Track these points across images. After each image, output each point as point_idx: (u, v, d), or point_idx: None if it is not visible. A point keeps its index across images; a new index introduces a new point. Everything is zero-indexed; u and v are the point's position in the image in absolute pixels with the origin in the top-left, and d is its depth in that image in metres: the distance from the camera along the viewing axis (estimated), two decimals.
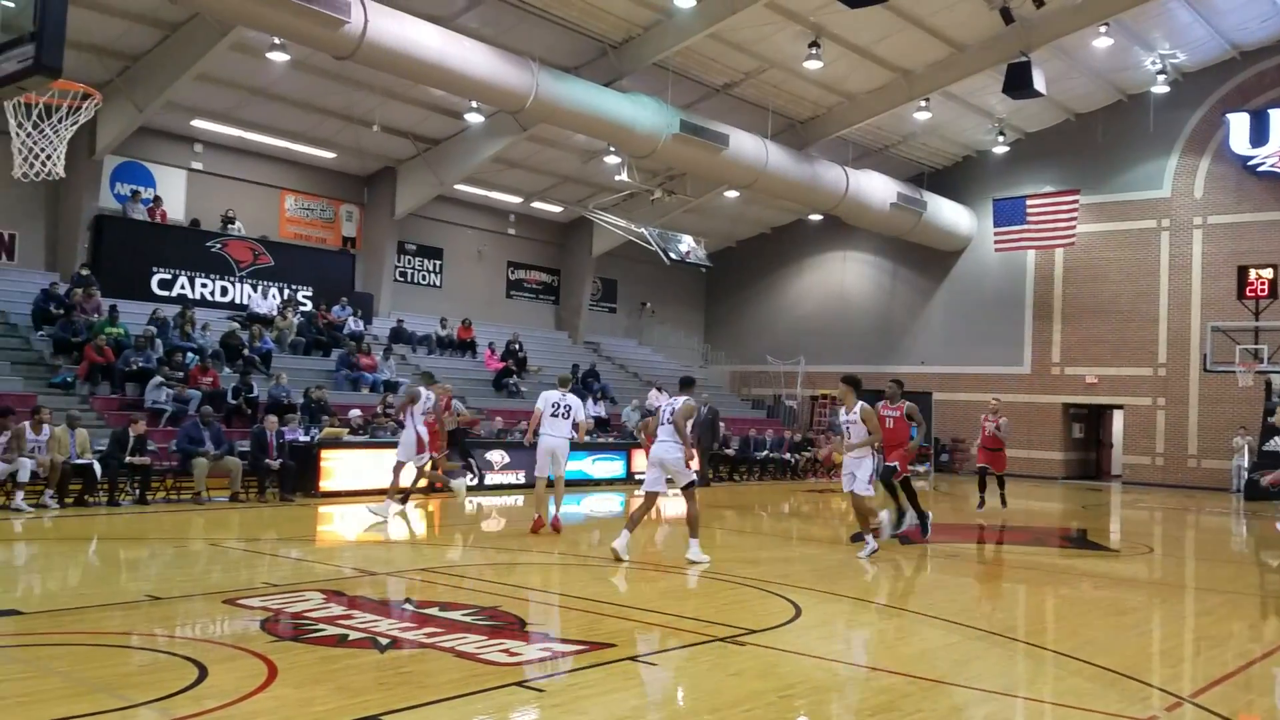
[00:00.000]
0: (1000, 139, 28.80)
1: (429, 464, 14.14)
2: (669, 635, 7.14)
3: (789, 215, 32.74)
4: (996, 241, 28.44)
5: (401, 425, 14.13)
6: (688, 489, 10.52)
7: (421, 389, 14.04)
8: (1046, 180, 28.92)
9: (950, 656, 6.92)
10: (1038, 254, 29.22)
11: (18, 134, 9.38)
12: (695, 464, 10.98)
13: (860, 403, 11.29)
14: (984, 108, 27.13)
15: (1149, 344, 27.85)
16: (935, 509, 15.25)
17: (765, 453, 24.55)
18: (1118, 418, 29.86)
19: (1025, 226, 27.63)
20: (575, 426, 12.70)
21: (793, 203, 29.00)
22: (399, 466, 13.61)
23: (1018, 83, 22.34)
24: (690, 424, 10.40)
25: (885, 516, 12.03)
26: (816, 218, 31.76)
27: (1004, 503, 17.37)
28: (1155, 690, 6.20)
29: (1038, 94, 22.94)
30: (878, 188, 27.68)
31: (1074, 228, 27.17)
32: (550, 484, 12.87)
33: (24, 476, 12.99)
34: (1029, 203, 27.73)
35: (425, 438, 13.64)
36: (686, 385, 11.21)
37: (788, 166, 25.12)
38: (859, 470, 11.26)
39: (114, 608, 7.59)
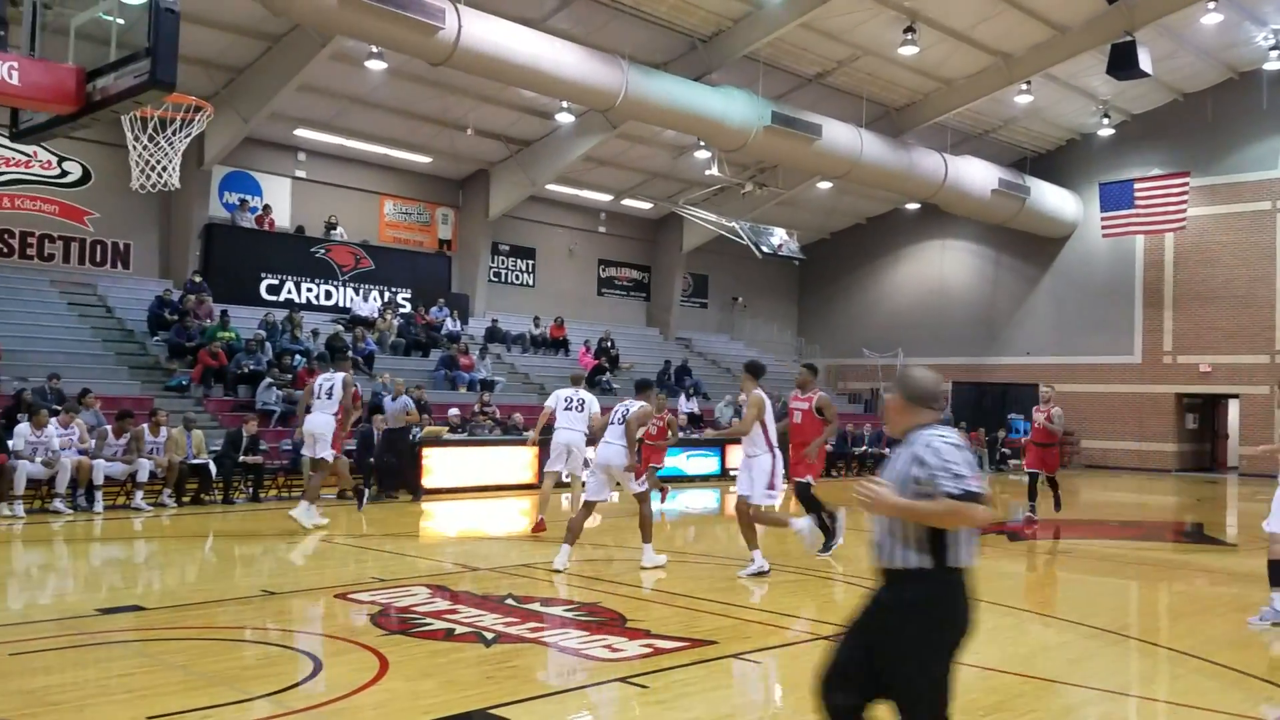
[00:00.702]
0: (1105, 121, 27.88)
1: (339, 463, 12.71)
2: (771, 633, 7.09)
3: (884, 205, 32.22)
4: (1104, 227, 27.57)
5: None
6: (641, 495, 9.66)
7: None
8: (1155, 163, 27.90)
9: (1063, 655, 6.73)
10: (1147, 239, 28.23)
11: (134, 146, 9.77)
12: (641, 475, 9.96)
13: (756, 391, 9.51)
14: (1087, 89, 26.29)
15: (1265, 330, 26.67)
16: (1044, 504, 14.78)
17: (863, 448, 24.20)
18: (1233, 407, 28.66)
19: (1133, 211, 26.73)
20: (590, 422, 12.07)
21: (889, 192, 28.52)
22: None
23: (1122, 63, 21.60)
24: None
25: (805, 525, 9.89)
26: (913, 206, 31.19)
27: (1058, 505, 14.91)
28: (1276, 688, 5.93)
29: (1144, 74, 22.14)
30: (978, 174, 27.05)
31: (1184, 211, 26.17)
32: (563, 484, 12.28)
33: (143, 476, 13.56)
34: (1137, 186, 26.81)
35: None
36: (643, 389, 10.28)
37: (883, 155, 24.71)
38: (753, 472, 9.30)
39: (230, 603, 7.86)
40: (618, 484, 9.95)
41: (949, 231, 31.85)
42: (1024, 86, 24.47)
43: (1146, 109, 28.15)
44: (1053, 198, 29.16)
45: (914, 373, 3.73)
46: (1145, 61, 21.57)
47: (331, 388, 12.01)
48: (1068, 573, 10.70)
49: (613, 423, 9.87)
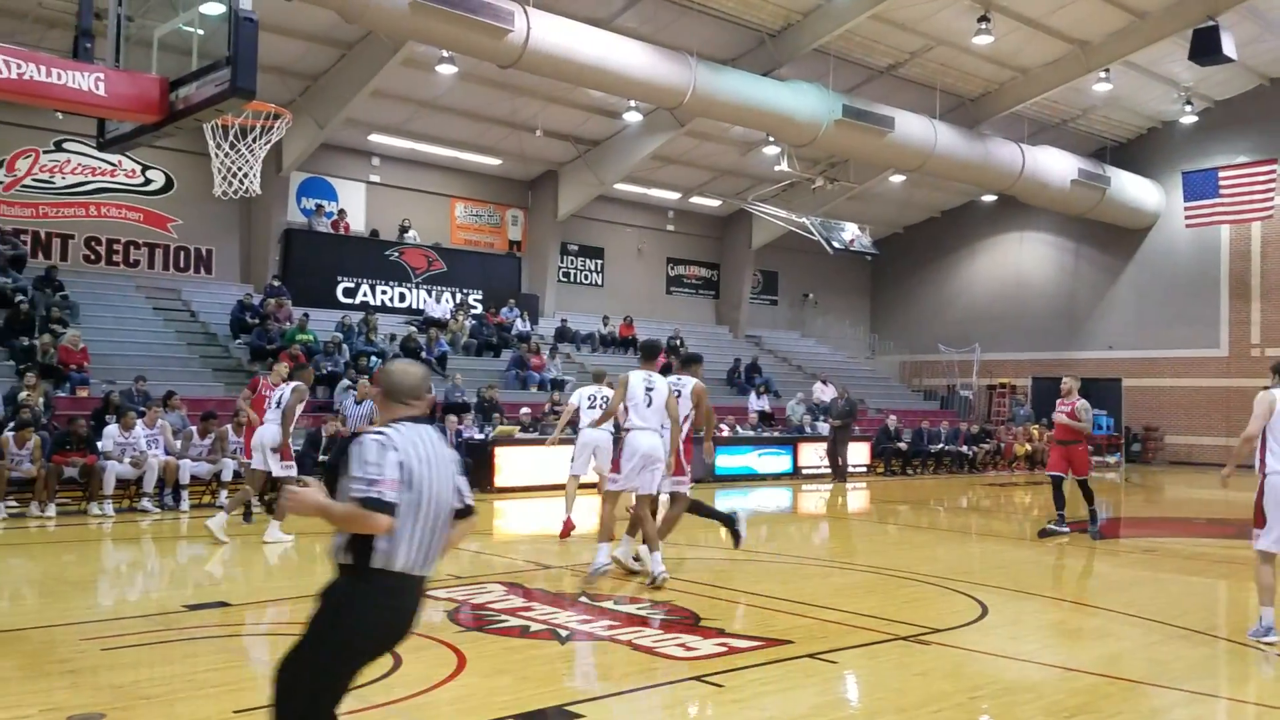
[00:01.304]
0: (1188, 108, 27.06)
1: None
2: (848, 633, 7.00)
3: (960, 197, 31.67)
4: (1188, 217, 26.76)
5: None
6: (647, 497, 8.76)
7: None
8: (1240, 150, 26.99)
9: (1149, 656, 6.54)
10: (1233, 229, 27.33)
11: (216, 154, 10.03)
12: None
13: (627, 374, 8.90)
14: (1169, 76, 25.54)
15: None
16: (1127, 502, 14.38)
17: (940, 445, 23.82)
18: None
19: (1218, 200, 25.90)
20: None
21: (964, 184, 28.04)
22: None
23: (1205, 48, 20.93)
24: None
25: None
26: (990, 198, 30.60)
27: (1094, 519, 12.28)
28: None
29: (1228, 59, 21.42)
30: (1056, 164, 26.45)
31: (1272, 199, 25.29)
32: (590, 485, 11.74)
33: (227, 475, 13.91)
34: (1221, 174, 25.98)
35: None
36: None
37: (958, 146, 24.29)
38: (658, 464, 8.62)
39: (312, 599, 7.99)
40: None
41: (1027, 223, 31.20)
42: (1103, 74, 23.85)
43: (1231, 95, 27.25)
44: (1134, 188, 28.39)
45: (391, 366, 3.73)
46: (1229, 46, 20.87)
47: (281, 397, 10.85)
48: (1154, 572, 10.40)
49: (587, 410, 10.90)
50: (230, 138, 9.73)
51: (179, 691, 5.40)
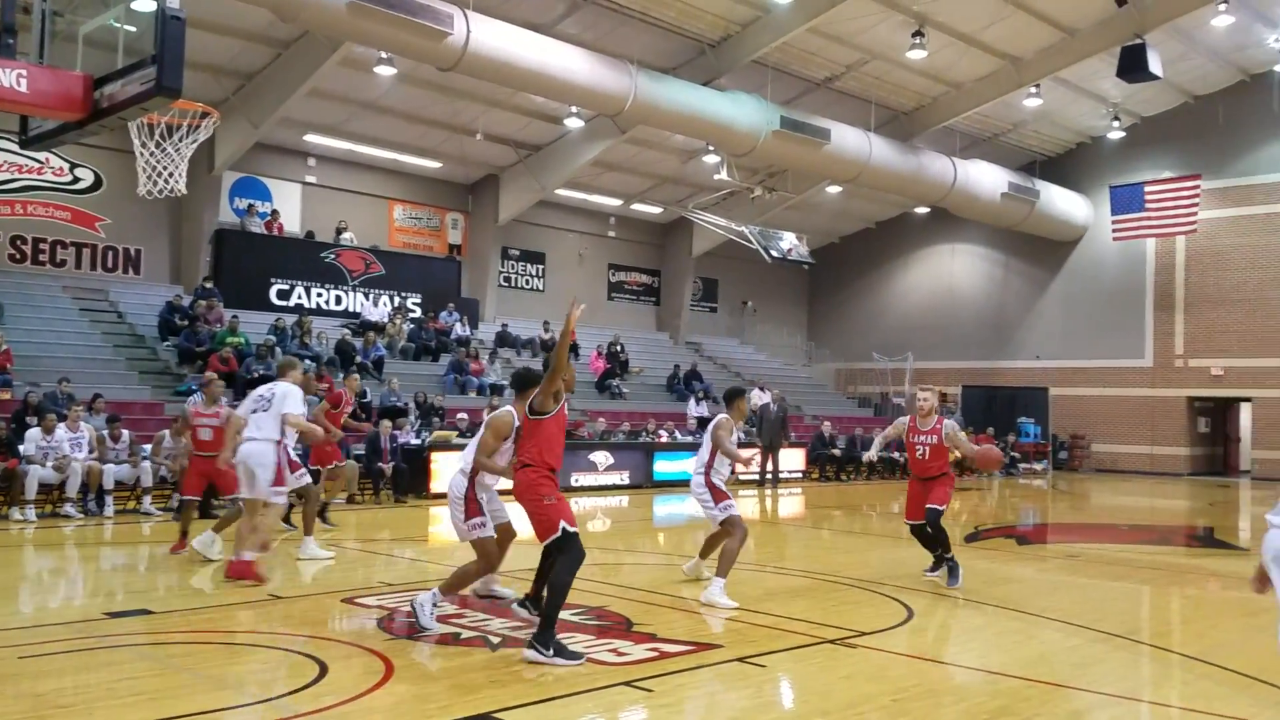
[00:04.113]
0: (1115, 124, 27.81)
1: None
2: (777, 636, 7.07)
3: (894, 209, 32.19)
4: (1114, 230, 27.51)
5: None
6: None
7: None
8: (1166, 166, 27.81)
9: (1071, 659, 6.70)
10: (1158, 242, 28.15)
11: (141, 153, 9.84)
12: None
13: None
14: (1097, 92, 26.24)
15: (1277, 333, 26.55)
16: (1053, 508, 14.72)
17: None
18: (1245, 411, 28.52)
19: (1144, 214, 26.66)
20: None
21: (898, 196, 28.51)
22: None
23: (1132, 66, 21.55)
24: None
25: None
26: (923, 210, 31.17)
27: (952, 572, 9.22)
28: None
29: (1154, 77, 22.08)
30: (987, 177, 27.01)
31: (1195, 214, 26.09)
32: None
33: (147, 481, 13.60)
34: (1148, 189, 26.75)
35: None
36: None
37: (892, 159, 24.69)
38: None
39: (237, 607, 7.88)
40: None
41: (958, 235, 31.80)
42: (1033, 90, 24.43)
43: (1157, 111, 28.07)
44: (1062, 201, 29.08)
45: None
46: (1155, 64, 21.51)
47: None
48: (1077, 577, 10.65)
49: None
50: (156, 136, 9.56)
51: (98, 700, 5.28)
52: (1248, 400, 27.74)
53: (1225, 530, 15.92)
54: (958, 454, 9.65)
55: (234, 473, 8.90)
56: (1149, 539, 14.18)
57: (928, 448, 9.23)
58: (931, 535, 9.26)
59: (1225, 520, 17.66)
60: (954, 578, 9.18)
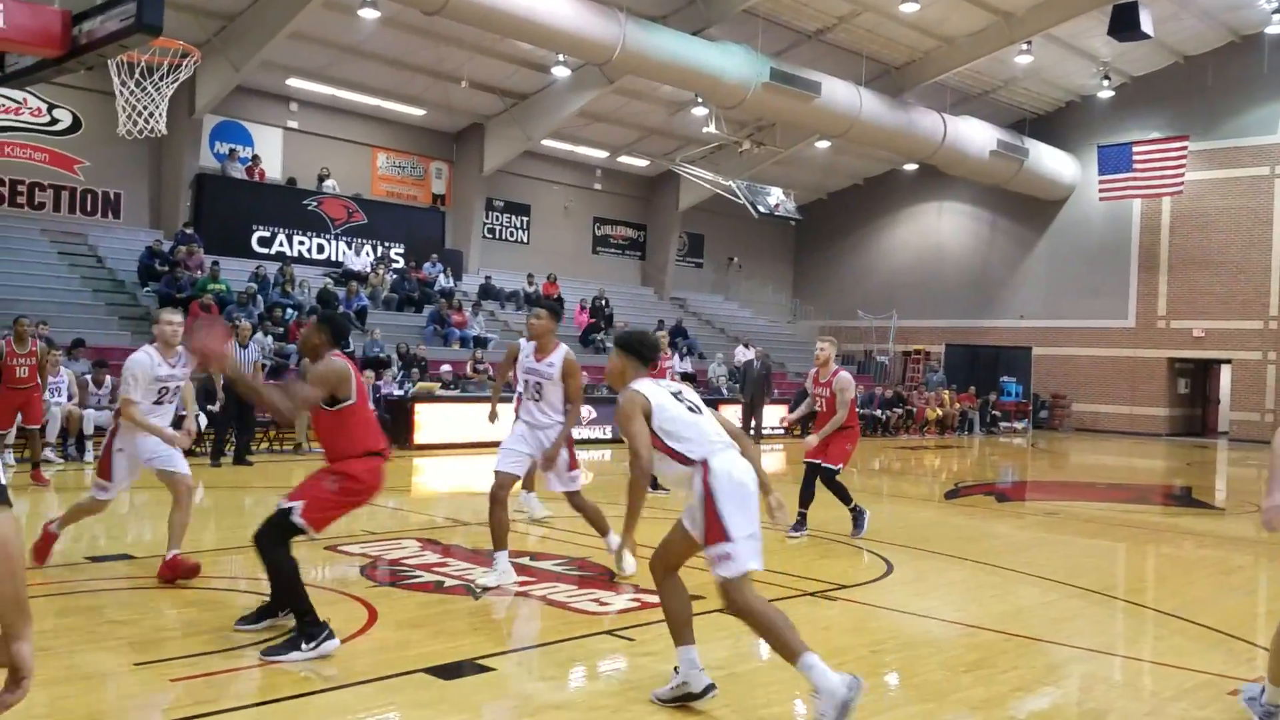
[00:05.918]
0: (1105, 83, 27.70)
1: None
2: (758, 589, 7.10)
3: (883, 165, 32.05)
4: (1101, 190, 27.49)
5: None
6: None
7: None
8: (1154, 126, 27.77)
9: (1047, 614, 6.78)
10: (1144, 203, 28.18)
11: (121, 92, 9.66)
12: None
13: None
14: (1088, 51, 26.09)
15: (1260, 296, 26.71)
16: (1033, 466, 14.85)
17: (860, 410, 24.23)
18: (1225, 372, 28.77)
19: (1131, 174, 26.64)
20: None
21: (887, 152, 28.38)
22: None
23: (1124, 24, 21.44)
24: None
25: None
26: (911, 167, 31.04)
27: (857, 520, 9.43)
28: (1261, 650, 5.98)
29: (1145, 36, 21.99)
30: (976, 135, 26.90)
31: (1182, 176, 26.09)
32: None
33: None
34: (1135, 149, 26.71)
35: None
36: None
37: (882, 114, 24.54)
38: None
39: (220, 552, 7.87)
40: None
41: (946, 193, 31.74)
42: (1024, 46, 24.26)
43: (1147, 71, 27.97)
44: (1051, 160, 29.04)
45: None
46: (1147, 23, 21.40)
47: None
48: (1055, 534, 10.76)
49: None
50: (136, 75, 9.37)
51: (79, 644, 5.27)
52: (1227, 362, 27.96)
53: (1202, 490, 16.10)
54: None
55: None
56: (1127, 498, 14.33)
57: (823, 399, 9.45)
58: (831, 485, 9.47)
59: (1202, 480, 17.85)
60: (858, 527, 9.42)
